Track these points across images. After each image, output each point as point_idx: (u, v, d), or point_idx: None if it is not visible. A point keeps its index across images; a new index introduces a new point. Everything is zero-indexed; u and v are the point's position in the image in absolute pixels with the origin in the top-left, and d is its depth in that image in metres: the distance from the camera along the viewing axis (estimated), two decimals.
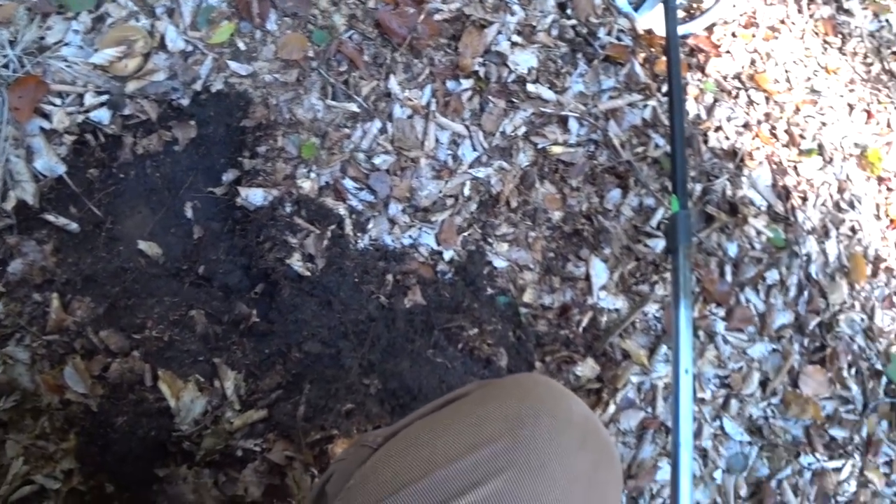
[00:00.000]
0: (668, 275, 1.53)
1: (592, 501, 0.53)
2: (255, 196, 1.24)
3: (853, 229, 1.76)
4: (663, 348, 1.49)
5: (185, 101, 1.29)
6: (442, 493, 0.47)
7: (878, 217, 1.82)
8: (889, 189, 1.86)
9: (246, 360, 1.18)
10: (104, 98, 1.26)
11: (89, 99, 1.26)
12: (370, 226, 1.31)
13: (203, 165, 1.31)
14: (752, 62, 1.78)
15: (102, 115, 1.25)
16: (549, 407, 0.54)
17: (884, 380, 1.69)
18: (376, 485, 0.51)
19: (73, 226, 1.21)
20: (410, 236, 1.34)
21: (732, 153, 1.65)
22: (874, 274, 1.76)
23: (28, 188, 1.20)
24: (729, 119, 1.68)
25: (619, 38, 1.61)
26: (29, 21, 1.30)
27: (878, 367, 1.69)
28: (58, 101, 1.26)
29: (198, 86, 1.30)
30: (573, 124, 1.49)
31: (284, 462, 1.15)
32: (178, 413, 1.11)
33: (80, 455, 1.12)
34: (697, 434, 1.50)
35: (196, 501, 1.12)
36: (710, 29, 1.75)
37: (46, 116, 1.24)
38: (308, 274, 1.23)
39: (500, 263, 1.39)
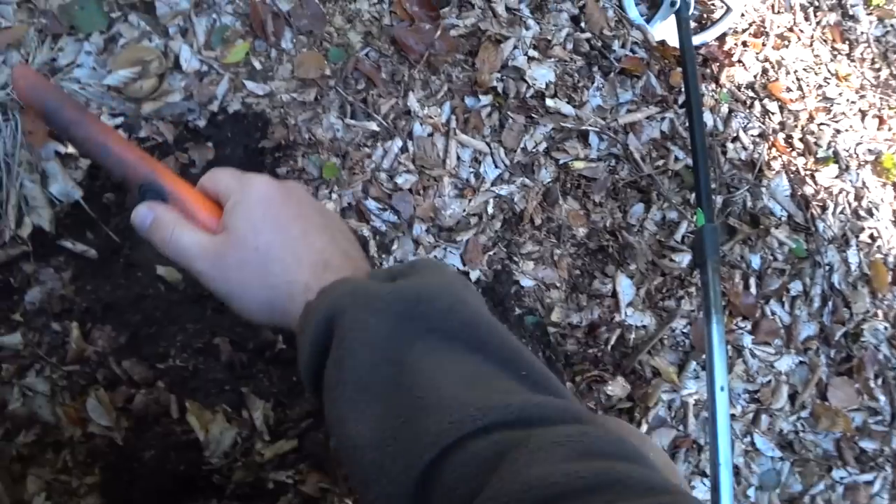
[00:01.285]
0: (693, 289, 1.53)
1: None
2: None
3: (872, 237, 1.76)
4: (692, 364, 1.48)
5: (202, 123, 1.27)
6: None
7: (895, 223, 1.83)
8: None
9: (273, 389, 1.16)
10: (119, 120, 1.24)
11: (105, 121, 1.24)
12: (394, 247, 1.29)
13: None
14: (765, 71, 1.79)
15: None
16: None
17: None
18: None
19: (91, 252, 1.19)
20: (436, 256, 1.32)
21: (751, 164, 1.65)
22: (895, 281, 1.77)
23: (44, 214, 1.17)
24: (745, 129, 1.68)
25: (633, 51, 1.61)
26: (40, 43, 1.27)
27: None
28: None
29: (214, 106, 1.28)
30: (593, 139, 1.49)
31: (319, 494, 1.12)
32: (207, 446, 1.08)
33: (106, 491, 1.08)
34: None
35: None
36: (721, 39, 1.77)
37: (61, 140, 1.22)
38: None
39: (526, 283, 1.37)
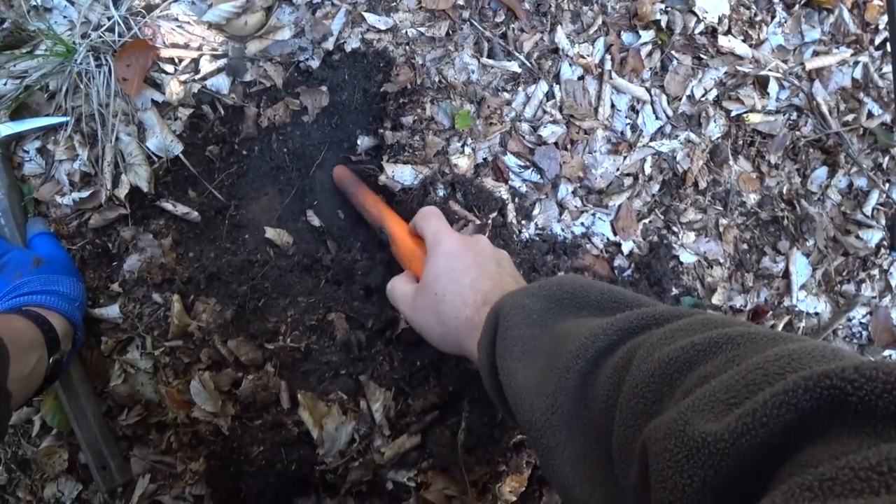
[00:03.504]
0: (877, 272, 1.24)
1: None
2: (402, 174, 1.02)
3: None
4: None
5: (315, 63, 1.06)
6: None
7: None
8: None
9: (395, 375, 0.97)
10: (222, 62, 1.05)
11: (205, 64, 1.05)
12: (536, 211, 1.07)
13: (337, 138, 1.09)
14: None
15: (221, 83, 1.04)
16: None
17: None
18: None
19: (194, 214, 1.02)
20: (583, 224, 1.09)
21: None
22: None
23: (141, 172, 1.00)
24: None
25: None
26: None
27: None
28: (170, 68, 1.05)
29: (329, 44, 1.06)
30: (773, 86, 1.20)
31: (443, 502, 0.94)
32: (321, 444, 0.91)
33: (212, 481, 0.94)
34: None
35: None
36: None
37: (158, 87, 1.04)
38: None
39: (687, 257, 1.13)
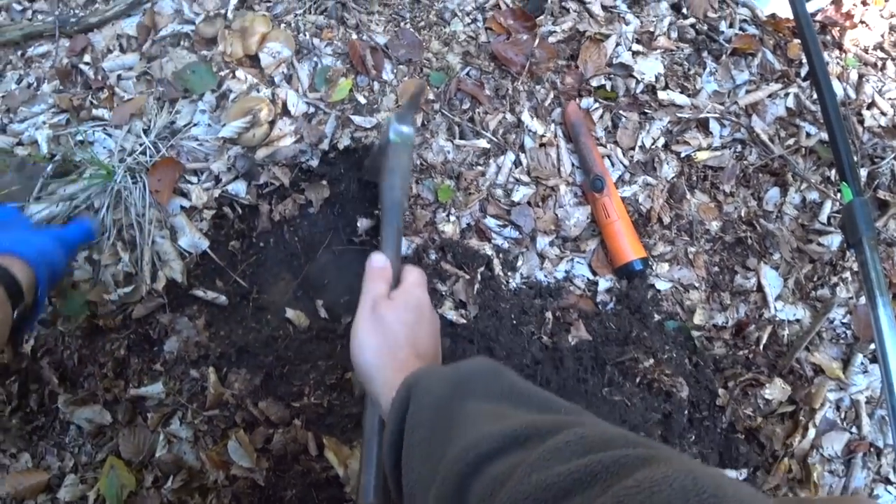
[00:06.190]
0: (848, 274, 1.31)
1: None
2: None
3: None
4: (859, 357, 1.26)
5: (315, 162, 1.21)
6: None
7: None
8: None
9: None
10: (238, 170, 1.21)
11: (224, 173, 1.21)
12: (519, 263, 1.18)
13: (340, 224, 1.22)
14: (892, 28, 1.55)
15: (239, 187, 1.20)
16: None
17: None
18: None
19: (222, 299, 1.15)
20: (563, 269, 1.19)
21: (893, 129, 1.42)
22: None
23: (175, 266, 1.14)
24: (881, 93, 1.45)
25: (742, 29, 1.43)
26: (159, 109, 1.27)
27: None
28: (194, 179, 1.21)
29: (325, 145, 1.22)
30: (714, 126, 1.32)
31: None
32: (347, 481, 0.99)
33: None
34: None
35: None
36: (836, 1, 1.55)
37: (185, 195, 1.20)
38: (463, 321, 1.10)
39: (662, 285, 1.21)
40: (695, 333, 1.21)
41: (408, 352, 0.77)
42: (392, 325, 0.79)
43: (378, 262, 0.89)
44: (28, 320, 0.84)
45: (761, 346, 1.24)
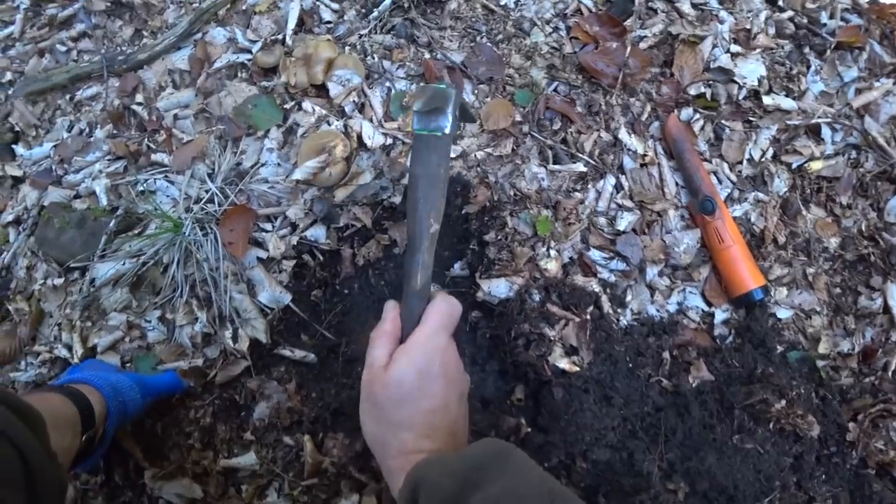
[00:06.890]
0: None
1: None
2: (497, 288, 1.03)
3: None
4: None
5: (397, 199, 1.11)
6: None
7: None
8: None
9: None
10: (316, 214, 1.11)
11: (301, 218, 1.11)
12: (629, 297, 1.07)
13: None
14: None
15: (317, 233, 1.09)
16: None
17: None
18: None
19: (311, 357, 1.05)
20: (675, 301, 1.08)
21: None
22: None
23: (258, 325, 1.05)
24: None
25: (845, 19, 1.30)
26: (222, 149, 1.17)
27: None
28: (268, 226, 1.12)
29: (406, 179, 1.12)
30: (825, 131, 1.19)
31: None
32: None
33: None
34: None
35: None
36: None
37: (261, 244, 1.10)
38: (576, 369, 1.00)
39: (783, 314, 1.10)
40: (820, 363, 1.10)
41: (406, 436, 0.70)
42: (384, 407, 0.72)
43: (384, 316, 0.79)
44: (93, 450, 0.86)
45: (889, 373, 1.13)
